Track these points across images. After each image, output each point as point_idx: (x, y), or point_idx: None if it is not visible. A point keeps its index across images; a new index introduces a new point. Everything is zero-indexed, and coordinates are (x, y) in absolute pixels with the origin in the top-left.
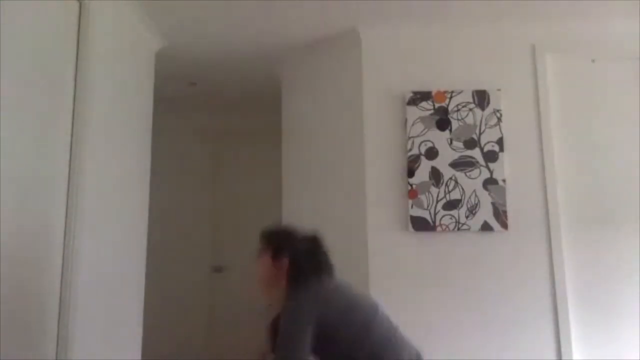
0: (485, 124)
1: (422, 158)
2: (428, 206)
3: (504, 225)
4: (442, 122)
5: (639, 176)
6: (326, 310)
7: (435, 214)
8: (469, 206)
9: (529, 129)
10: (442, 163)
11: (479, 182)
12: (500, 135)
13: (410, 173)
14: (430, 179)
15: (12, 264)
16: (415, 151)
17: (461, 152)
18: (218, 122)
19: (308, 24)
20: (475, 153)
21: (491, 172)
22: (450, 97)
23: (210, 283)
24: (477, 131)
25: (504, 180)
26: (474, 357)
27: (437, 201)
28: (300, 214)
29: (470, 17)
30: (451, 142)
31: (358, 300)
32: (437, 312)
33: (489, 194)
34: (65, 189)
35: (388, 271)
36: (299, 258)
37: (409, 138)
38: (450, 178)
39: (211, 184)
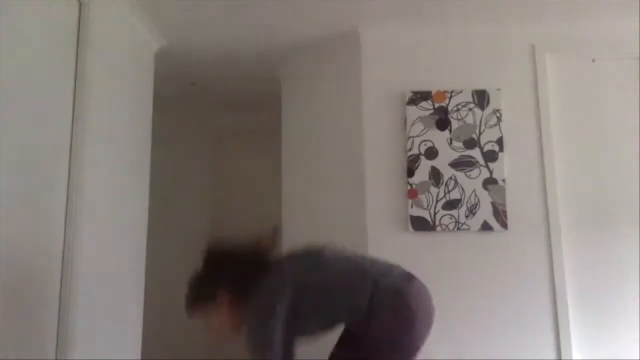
0: (485, 124)
1: (422, 158)
2: (428, 206)
3: (504, 225)
4: (442, 122)
5: (639, 176)
6: (293, 291)
7: (435, 214)
8: (469, 206)
9: (529, 129)
10: (442, 163)
11: (479, 182)
12: (500, 135)
13: (410, 173)
14: (430, 179)
15: (12, 264)
16: (415, 151)
17: (461, 152)
18: (218, 122)
19: (308, 24)
20: (475, 153)
21: (491, 172)
22: (450, 97)
23: None
24: (477, 131)
25: (504, 180)
26: (473, 357)
27: (437, 201)
28: (300, 214)
29: (470, 17)
30: (451, 142)
31: (313, 262)
32: (436, 312)
33: (489, 194)
34: (65, 188)
35: None
36: (231, 283)
37: (409, 138)
38: (450, 178)
39: (211, 183)
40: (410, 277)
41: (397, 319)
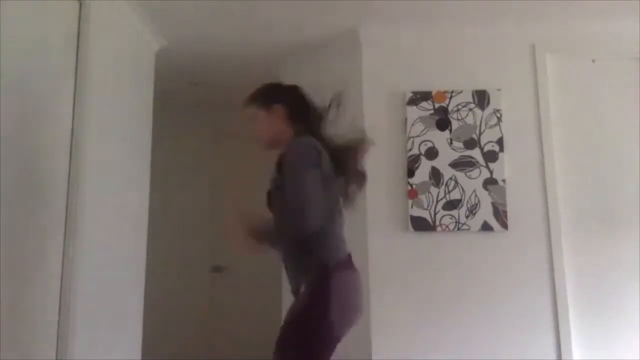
0: (485, 124)
1: (422, 158)
2: (428, 206)
3: (504, 225)
4: (442, 122)
5: (639, 176)
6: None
7: (435, 214)
8: (469, 206)
9: (529, 129)
10: (442, 163)
11: (479, 182)
12: (500, 135)
13: (410, 173)
14: (430, 179)
15: (12, 265)
16: (415, 151)
17: (461, 152)
18: (218, 121)
19: (308, 24)
20: (475, 153)
21: (491, 172)
22: (450, 97)
23: (210, 283)
24: (477, 131)
25: (504, 180)
26: (474, 356)
27: (437, 201)
28: None
29: (470, 17)
30: (451, 142)
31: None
32: (437, 312)
33: (489, 194)
34: (65, 189)
35: (388, 271)
36: (291, 98)
37: (409, 138)
38: (450, 178)
39: (211, 183)
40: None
41: (310, 300)
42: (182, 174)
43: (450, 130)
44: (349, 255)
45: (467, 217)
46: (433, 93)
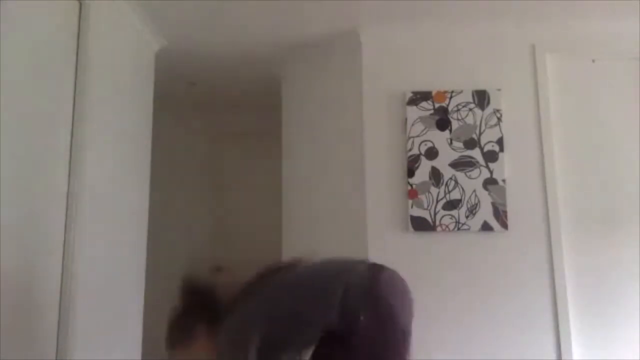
0: (485, 124)
1: (422, 158)
2: (428, 206)
3: (504, 225)
4: (442, 122)
5: (639, 176)
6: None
7: (435, 214)
8: (469, 206)
9: (529, 129)
10: (442, 163)
11: (479, 182)
12: (500, 135)
13: (410, 173)
14: (430, 179)
15: (12, 265)
16: (415, 151)
17: (461, 152)
18: (218, 122)
19: (308, 24)
20: (475, 153)
21: (491, 172)
22: (450, 97)
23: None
24: (477, 131)
25: (504, 180)
26: (474, 357)
27: (437, 201)
28: (299, 214)
29: (470, 16)
30: (451, 142)
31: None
32: (437, 312)
33: (489, 194)
34: (65, 188)
35: None
36: (201, 312)
37: (409, 138)
38: (450, 178)
39: (211, 184)
40: (377, 268)
41: (376, 319)
42: (182, 174)
43: (450, 130)
44: (375, 265)
45: (467, 217)
46: (433, 93)
